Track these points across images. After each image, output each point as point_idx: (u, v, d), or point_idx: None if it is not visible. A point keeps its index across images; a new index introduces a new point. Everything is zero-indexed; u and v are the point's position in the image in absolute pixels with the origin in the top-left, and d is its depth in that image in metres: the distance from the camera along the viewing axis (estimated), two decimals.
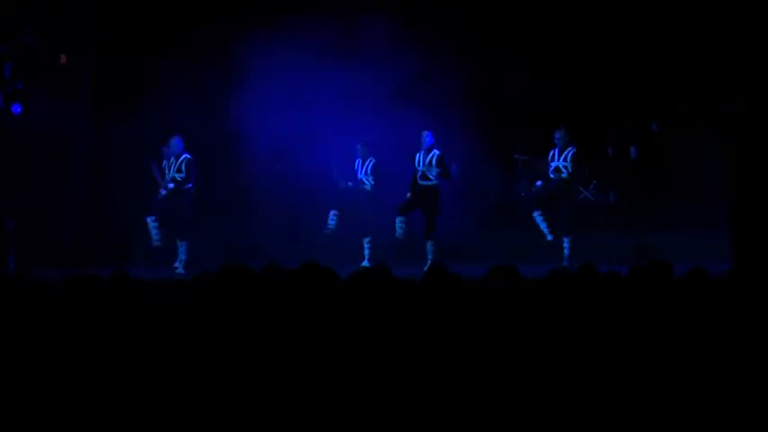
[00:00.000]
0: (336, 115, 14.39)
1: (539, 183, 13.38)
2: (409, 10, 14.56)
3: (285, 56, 14.21)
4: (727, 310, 5.07)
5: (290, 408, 4.47)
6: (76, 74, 14.89)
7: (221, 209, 14.81)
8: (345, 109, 14.29)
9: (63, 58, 14.82)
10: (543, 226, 13.03)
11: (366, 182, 13.82)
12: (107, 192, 14.98)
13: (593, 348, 4.72)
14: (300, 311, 4.99)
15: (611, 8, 14.89)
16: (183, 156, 13.41)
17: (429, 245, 13.22)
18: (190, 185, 13.35)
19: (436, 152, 13.28)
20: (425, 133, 13.36)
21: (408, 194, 13.40)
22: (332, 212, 13.90)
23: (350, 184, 13.88)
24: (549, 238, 13.03)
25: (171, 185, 13.35)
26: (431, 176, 13.23)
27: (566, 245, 12.88)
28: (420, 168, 13.31)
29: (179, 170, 13.39)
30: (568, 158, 13.05)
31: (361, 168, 13.86)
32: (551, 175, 13.15)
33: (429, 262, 12.96)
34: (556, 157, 13.15)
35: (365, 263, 13.47)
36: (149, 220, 13.44)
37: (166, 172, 13.56)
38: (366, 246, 13.72)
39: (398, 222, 13.37)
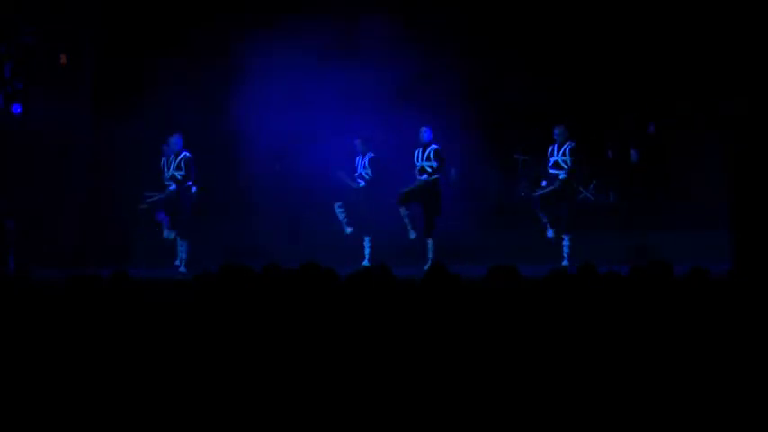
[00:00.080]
0: (336, 115, 14.39)
1: (543, 183, 13.33)
2: (409, 10, 14.56)
3: (285, 56, 14.21)
4: (727, 310, 5.07)
5: (290, 408, 4.47)
6: (76, 74, 14.89)
7: (221, 209, 14.80)
8: (345, 109, 14.29)
9: (63, 58, 14.82)
10: (545, 219, 13.04)
11: (365, 176, 13.79)
12: (107, 192, 14.98)
13: (594, 348, 4.72)
14: (300, 311, 4.99)
15: (610, 8, 14.89)
16: (183, 154, 13.43)
17: (429, 243, 13.23)
18: (190, 183, 13.36)
19: (434, 146, 13.31)
20: (423, 129, 13.38)
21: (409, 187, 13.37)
22: (336, 206, 13.86)
23: (361, 183, 13.79)
24: (550, 234, 13.04)
25: (173, 187, 13.37)
26: (429, 170, 13.25)
27: (565, 244, 12.89)
28: (418, 163, 13.34)
29: (178, 168, 13.41)
30: (567, 153, 13.07)
31: (361, 164, 13.85)
32: (550, 171, 13.17)
33: (429, 261, 12.97)
34: (555, 152, 13.17)
35: (365, 263, 13.48)
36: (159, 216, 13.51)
37: (165, 170, 13.58)
38: (366, 245, 13.72)
39: (406, 219, 13.34)
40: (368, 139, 13.88)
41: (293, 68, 14.26)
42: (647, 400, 4.49)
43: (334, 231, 13.86)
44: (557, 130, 13.19)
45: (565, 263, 12.71)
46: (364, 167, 13.78)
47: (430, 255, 13.16)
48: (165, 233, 13.49)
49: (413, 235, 13.37)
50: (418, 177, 13.34)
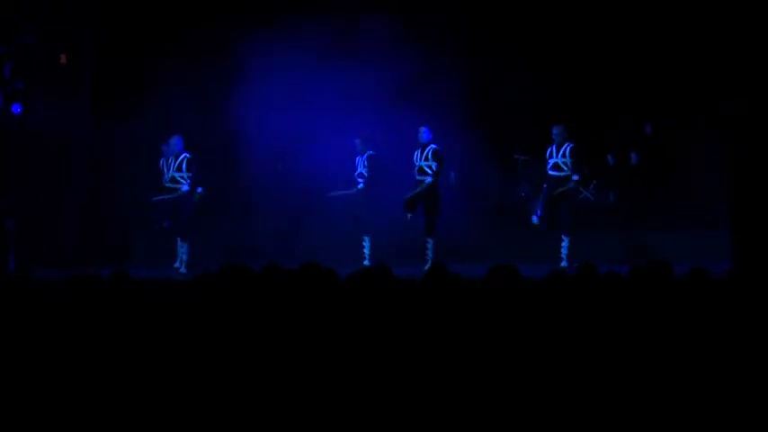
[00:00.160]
0: (336, 115, 14.39)
1: (545, 186, 13.25)
2: (409, 10, 14.57)
3: (285, 56, 14.21)
4: (727, 310, 5.07)
5: (290, 407, 4.47)
6: (76, 74, 14.88)
7: (221, 209, 14.81)
8: (345, 109, 14.29)
9: (63, 58, 14.81)
10: (540, 212, 13.00)
11: (364, 174, 13.79)
12: (107, 192, 14.98)
13: (594, 348, 4.72)
14: (300, 312, 4.99)
15: (610, 8, 14.89)
16: (183, 155, 13.43)
17: (429, 243, 13.23)
18: (200, 190, 13.38)
19: (433, 146, 13.32)
20: (422, 129, 13.39)
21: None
22: (332, 194, 13.93)
23: (360, 184, 13.78)
24: (535, 220, 12.99)
25: (185, 188, 13.35)
26: (428, 171, 13.25)
27: (564, 245, 12.86)
28: (417, 163, 13.34)
29: (179, 169, 13.41)
30: (567, 154, 13.03)
31: (361, 163, 13.85)
32: (550, 172, 13.12)
33: (429, 261, 12.97)
34: (554, 153, 13.11)
35: (365, 263, 13.48)
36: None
37: (166, 171, 13.58)
38: (366, 245, 13.72)
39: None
40: (368, 138, 13.88)
41: (293, 68, 14.26)
42: (648, 400, 4.49)
43: (335, 231, 13.87)
44: (555, 130, 13.15)
45: (563, 264, 12.69)
46: (364, 166, 13.79)
47: (430, 255, 13.16)
48: (167, 224, 13.49)
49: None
50: (417, 177, 13.35)
